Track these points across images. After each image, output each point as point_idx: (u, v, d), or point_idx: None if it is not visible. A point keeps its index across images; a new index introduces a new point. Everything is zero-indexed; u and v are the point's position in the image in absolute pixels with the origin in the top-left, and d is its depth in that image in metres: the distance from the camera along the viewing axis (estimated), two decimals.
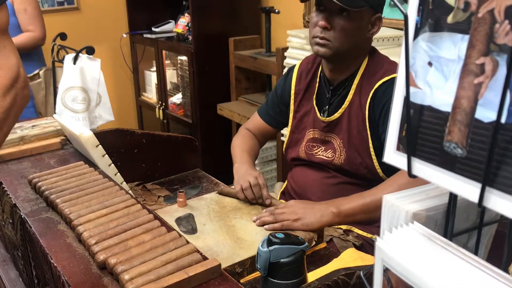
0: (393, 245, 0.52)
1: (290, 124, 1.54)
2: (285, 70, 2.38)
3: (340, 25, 1.28)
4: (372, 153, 1.35)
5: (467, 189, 0.43)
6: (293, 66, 1.57)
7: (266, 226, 1.24)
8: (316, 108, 1.46)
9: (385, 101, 1.31)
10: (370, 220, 1.34)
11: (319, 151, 1.45)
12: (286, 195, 1.62)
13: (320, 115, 1.45)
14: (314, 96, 1.47)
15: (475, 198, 0.42)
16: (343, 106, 1.39)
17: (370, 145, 1.35)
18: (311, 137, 1.47)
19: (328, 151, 1.42)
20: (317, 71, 1.48)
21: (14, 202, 1.09)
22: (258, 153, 1.65)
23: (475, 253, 0.62)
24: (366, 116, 1.34)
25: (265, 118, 1.63)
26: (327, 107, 1.44)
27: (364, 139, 1.36)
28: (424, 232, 0.53)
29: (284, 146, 1.60)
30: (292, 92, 1.52)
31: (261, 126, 1.64)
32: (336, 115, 1.40)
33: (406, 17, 0.46)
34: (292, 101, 1.53)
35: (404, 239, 0.53)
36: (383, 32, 2.08)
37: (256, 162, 2.04)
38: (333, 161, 1.41)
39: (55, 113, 1.85)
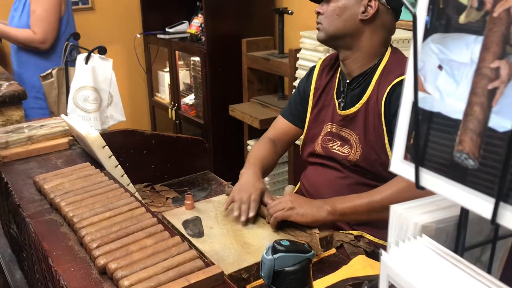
0: (399, 260, 0.49)
1: (307, 119, 1.53)
2: (297, 72, 2.36)
3: (328, 8, 1.36)
4: (388, 149, 1.33)
5: (479, 204, 0.40)
6: (316, 64, 1.58)
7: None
8: (336, 102, 1.45)
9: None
10: (367, 221, 1.33)
11: (334, 145, 1.44)
12: None
13: (338, 108, 1.44)
14: (335, 91, 1.47)
15: (488, 214, 0.39)
16: (361, 102, 1.38)
17: (386, 141, 1.33)
18: (328, 130, 1.46)
19: (345, 147, 1.41)
20: (339, 67, 1.48)
21: (18, 203, 1.08)
22: (274, 162, 1.57)
23: (489, 268, 0.58)
24: (382, 112, 1.32)
25: (289, 118, 1.59)
26: (342, 99, 1.43)
27: (379, 135, 1.34)
28: (433, 247, 0.50)
29: (301, 144, 1.57)
30: (313, 87, 1.52)
31: (284, 128, 1.60)
32: (353, 109, 1.39)
33: (414, 17, 0.43)
34: (311, 96, 1.52)
35: (412, 254, 0.50)
36: (398, 34, 2.03)
37: None
38: (348, 156, 1.39)
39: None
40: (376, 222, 1.34)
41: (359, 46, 1.37)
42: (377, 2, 1.32)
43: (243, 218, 1.27)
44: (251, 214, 1.27)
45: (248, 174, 1.39)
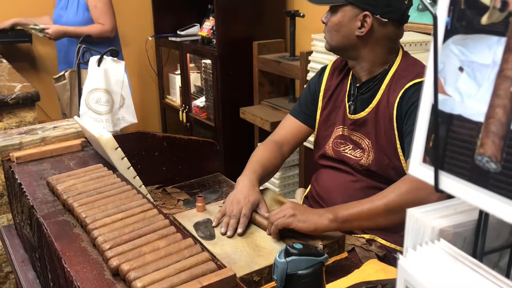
0: (416, 265, 0.48)
1: (317, 120, 1.52)
2: (309, 74, 2.36)
3: (329, 22, 1.38)
4: (400, 153, 1.31)
5: (502, 208, 0.39)
6: (328, 64, 1.58)
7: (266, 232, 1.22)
8: (347, 105, 1.44)
9: (412, 102, 1.27)
10: (371, 227, 1.29)
11: (346, 149, 1.42)
12: (309, 199, 1.57)
13: (349, 112, 1.43)
14: (346, 93, 1.46)
15: (510, 219, 0.38)
16: (371, 106, 1.37)
17: (398, 145, 1.31)
18: (339, 134, 1.45)
19: (357, 151, 1.40)
20: (350, 69, 1.47)
21: (31, 204, 1.09)
22: (278, 165, 1.51)
23: (507, 273, 0.57)
24: (393, 116, 1.31)
25: (300, 117, 1.55)
26: (352, 103, 1.43)
27: (391, 140, 1.32)
28: (451, 251, 0.49)
29: (313, 145, 1.57)
30: (323, 87, 1.51)
31: (294, 128, 1.56)
32: (362, 114, 1.38)
33: (435, 18, 0.43)
34: (321, 97, 1.51)
35: (429, 258, 0.49)
36: (411, 36, 2.02)
37: None
38: (360, 161, 1.38)
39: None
40: (388, 226, 1.32)
41: (364, 57, 1.37)
42: (371, 18, 1.29)
43: (229, 233, 1.21)
44: (239, 230, 1.21)
45: (244, 183, 1.34)
